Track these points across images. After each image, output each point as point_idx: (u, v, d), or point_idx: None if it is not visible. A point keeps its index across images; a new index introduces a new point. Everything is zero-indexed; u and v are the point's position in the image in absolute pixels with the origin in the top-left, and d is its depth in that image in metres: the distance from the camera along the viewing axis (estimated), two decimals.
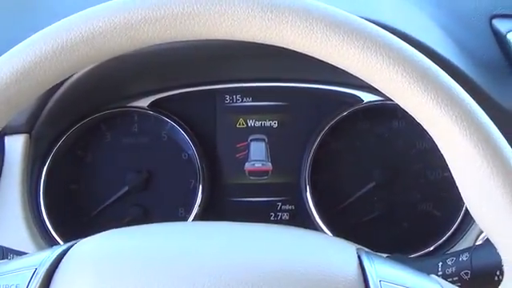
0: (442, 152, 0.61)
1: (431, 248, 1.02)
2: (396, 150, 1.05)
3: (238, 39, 0.62)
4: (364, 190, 1.05)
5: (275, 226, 0.73)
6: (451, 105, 0.59)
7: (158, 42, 0.63)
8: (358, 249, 0.65)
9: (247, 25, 0.61)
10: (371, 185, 1.05)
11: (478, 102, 0.95)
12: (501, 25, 1.01)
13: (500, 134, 0.60)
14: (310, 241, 0.66)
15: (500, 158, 0.59)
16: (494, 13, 1.02)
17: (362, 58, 0.60)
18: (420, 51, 0.92)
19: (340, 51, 0.60)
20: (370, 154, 1.06)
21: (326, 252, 0.63)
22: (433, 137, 0.61)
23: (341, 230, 1.03)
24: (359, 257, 0.63)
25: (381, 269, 0.62)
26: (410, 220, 1.05)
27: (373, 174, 1.05)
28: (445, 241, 1.02)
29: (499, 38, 1.01)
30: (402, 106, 0.61)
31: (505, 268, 0.60)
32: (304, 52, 0.61)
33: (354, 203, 1.05)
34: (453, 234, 1.02)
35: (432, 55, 0.94)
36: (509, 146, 0.60)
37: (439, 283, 0.65)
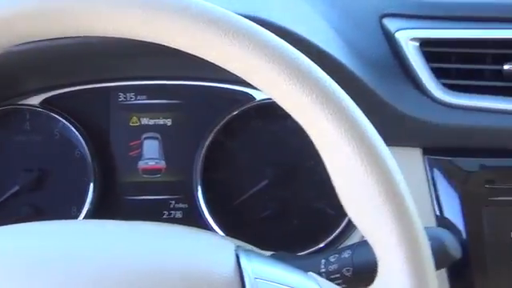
0: (319, 150, 0.61)
1: (322, 245, 1.03)
2: (289, 148, 1.06)
3: (117, 36, 0.61)
4: (257, 188, 1.05)
5: (157, 224, 0.72)
6: (326, 103, 0.59)
7: (32, 38, 0.62)
8: (237, 247, 0.65)
9: (124, 22, 0.60)
10: (264, 183, 1.05)
11: (365, 101, 0.97)
12: (390, 24, 1.03)
13: (375, 131, 0.60)
14: (189, 239, 0.66)
15: (374, 156, 0.59)
16: (384, 12, 1.04)
17: (239, 57, 0.60)
18: (308, 50, 0.92)
19: (214, 48, 0.60)
20: (263, 152, 1.06)
21: (204, 250, 0.63)
22: (310, 136, 0.61)
23: (233, 228, 1.03)
24: (237, 255, 0.62)
25: (258, 267, 0.62)
26: (303, 217, 1.06)
27: (266, 172, 1.05)
28: (335, 237, 1.03)
29: (388, 37, 1.02)
30: (280, 105, 0.61)
31: (378, 264, 0.61)
32: (181, 49, 0.61)
33: (247, 201, 1.06)
34: (342, 230, 1.02)
35: (320, 54, 0.95)
36: (384, 145, 0.60)
37: (316, 280, 0.65)
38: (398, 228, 0.59)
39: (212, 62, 0.61)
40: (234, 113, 1.04)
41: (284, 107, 0.60)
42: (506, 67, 0.98)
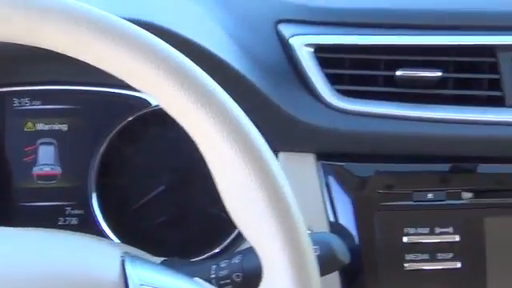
0: (203, 154, 0.61)
1: (217, 250, 1.03)
2: (185, 154, 1.05)
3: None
4: (153, 193, 1.04)
5: (45, 230, 0.72)
6: (209, 106, 0.59)
7: None
8: (123, 253, 0.65)
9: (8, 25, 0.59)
10: (160, 188, 1.05)
11: (259, 107, 0.97)
12: (285, 29, 1.03)
13: (259, 135, 0.60)
14: (75, 245, 0.66)
15: (258, 160, 0.59)
16: (280, 18, 1.04)
17: (122, 60, 0.59)
18: (200, 55, 0.93)
19: (94, 51, 0.59)
20: (160, 158, 1.06)
21: (89, 256, 0.63)
22: (194, 140, 0.60)
23: (129, 234, 1.02)
24: (123, 261, 0.62)
25: (143, 273, 0.62)
26: (199, 223, 1.06)
27: (162, 177, 1.05)
28: (230, 243, 1.03)
29: (283, 42, 1.02)
30: (164, 108, 0.61)
31: (263, 269, 0.61)
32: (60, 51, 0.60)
33: (143, 207, 1.05)
34: (237, 235, 1.02)
35: (212, 59, 0.96)
36: (268, 148, 0.60)
37: (201, 286, 0.65)
38: (282, 232, 0.59)
39: (95, 65, 0.60)
40: (130, 118, 1.03)
41: (168, 111, 0.60)
42: (398, 73, 0.99)
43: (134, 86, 0.60)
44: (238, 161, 0.59)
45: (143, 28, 0.59)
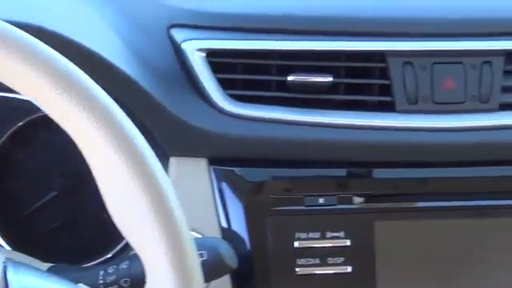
0: (87, 160, 0.60)
1: (109, 255, 1.02)
2: (77, 159, 1.03)
3: None
4: (45, 199, 1.03)
5: None
6: (92, 110, 0.59)
7: None
8: (6, 259, 0.64)
9: None
10: (53, 194, 1.04)
11: (150, 112, 0.97)
12: (178, 34, 1.03)
13: (143, 139, 0.60)
14: None
15: (141, 164, 0.59)
16: (173, 22, 1.04)
17: (1, 64, 0.58)
18: (87, 58, 0.92)
19: None
20: (52, 163, 1.04)
21: None
22: (77, 145, 0.60)
23: (20, 240, 1.01)
24: (5, 267, 0.62)
25: (26, 279, 0.61)
26: (92, 228, 1.05)
27: (54, 183, 1.04)
28: (122, 247, 1.02)
29: (176, 47, 1.02)
30: (47, 113, 0.60)
31: (146, 274, 0.61)
32: None
33: (35, 213, 1.04)
34: None
35: (101, 63, 0.95)
36: (151, 151, 0.60)
37: None
38: (165, 236, 0.59)
39: None
40: (20, 123, 1.02)
41: (51, 115, 0.60)
42: (290, 78, 1.00)
43: (15, 89, 0.60)
44: (122, 165, 0.59)
45: (23, 30, 0.59)
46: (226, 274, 0.91)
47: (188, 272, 0.60)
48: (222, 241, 0.92)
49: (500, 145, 1.02)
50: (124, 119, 0.60)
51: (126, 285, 0.85)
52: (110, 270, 0.87)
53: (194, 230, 0.96)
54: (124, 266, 0.87)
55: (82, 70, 0.60)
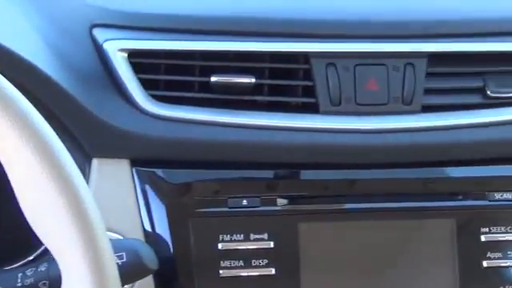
0: (2, 161, 0.60)
1: (31, 258, 1.01)
2: None
3: None
4: None
5: None
6: (6, 111, 0.58)
7: None
8: None
9: None
10: None
11: (71, 113, 0.95)
12: (99, 34, 1.02)
13: (59, 141, 0.59)
14: None
15: (57, 166, 0.59)
16: (94, 22, 1.03)
17: None
18: (10, 60, 0.91)
19: None
20: None
21: None
22: None
23: None
24: None
25: None
26: (13, 230, 1.03)
27: None
28: (44, 250, 1.00)
29: (98, 47, 1.01)
30: None
31: (62, 277, 0.60)
32: None
33: None
34: None
35: (21, 63, 0.93)
36: (67, 153, 0.60)
37: None
38: (81, 240, 0.59)
39: None
40: None
41: None
42: (213, 79, 0.99)
43: None
44: (37, 167, 0.58)
45: None
46: (146, 275, 0.90)
47: (104, 273, 0.60)
48: (142, 242, 0.91)
49: (423, 146, 1.03)
50: (40, 121, 0.59)
51: (44, 287, 0.84)
52: (29, 273, 0.85)
53: (113, 231, 0.95)
54: (43, 268, 0.86)
55: (2, 70, 0.59)
